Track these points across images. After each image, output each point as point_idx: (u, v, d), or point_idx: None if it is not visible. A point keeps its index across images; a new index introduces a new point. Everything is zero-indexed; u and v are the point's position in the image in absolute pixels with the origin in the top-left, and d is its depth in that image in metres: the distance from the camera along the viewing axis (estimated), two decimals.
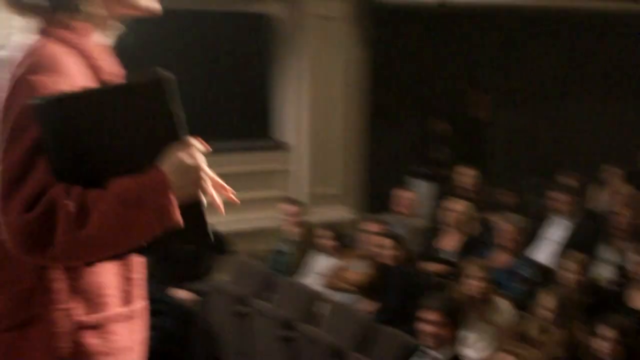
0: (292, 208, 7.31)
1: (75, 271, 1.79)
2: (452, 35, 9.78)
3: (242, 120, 8.50)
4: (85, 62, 1.82)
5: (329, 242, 6.89)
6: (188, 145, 1.71)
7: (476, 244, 6.77)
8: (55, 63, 1.75)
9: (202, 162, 1.73)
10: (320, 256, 6.91)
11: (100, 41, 1.89)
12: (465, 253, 6.56)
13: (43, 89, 1.70)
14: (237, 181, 7.76)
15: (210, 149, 1.77)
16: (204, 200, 1.75)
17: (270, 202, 7.96)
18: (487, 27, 9.84)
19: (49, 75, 1.73)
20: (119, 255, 1.75)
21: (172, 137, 1.71)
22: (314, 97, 8.47)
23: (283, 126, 8.59)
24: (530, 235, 7.11)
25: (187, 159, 1.70)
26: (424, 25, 9.48)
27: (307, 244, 7.07)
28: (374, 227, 6.75)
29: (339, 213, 8.46)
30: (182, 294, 6.29)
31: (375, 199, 8.67)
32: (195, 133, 1.75)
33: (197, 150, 1.72)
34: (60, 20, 1.84)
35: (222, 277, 6.83)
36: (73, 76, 1.76)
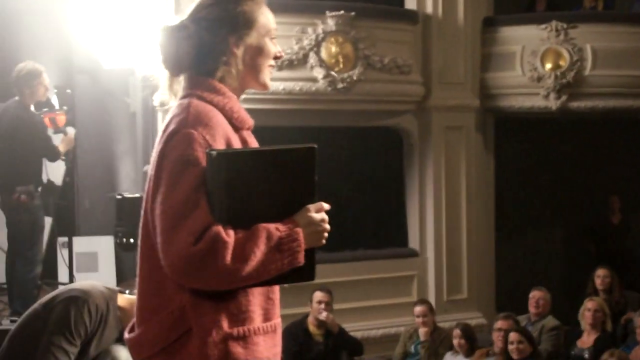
0: (421, 308, 7.48)
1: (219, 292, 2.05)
2: (574, 140, 9.91)
3: (378, 229, 8.88)
4: (227, 117, 2.14)
5: (460, 341, 7.01)
6: (318, 206, 2.10)
7: (611, 341, 6.76)
8: (208, 118, 2.07)
9: (326, 220, 2.10)
10: (452, 356, 7.02)
11: (232, 96, 2.19)
12: (599, 350, 6.55)
13: (200, 140, 2.03)
14: (371, 287, 8.23)
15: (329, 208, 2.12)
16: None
17: (402, 307, 8.20)
18: (609, 130, 9.93)
19: (204, 128, 2.05)
20: (255, 285, 2.05)
21: (309, 197, 2.08)
22: (440, 204, 8.77)
23: (415, 234, 8.88)
24: None
25: (317, 217, 2.07)
26: (546, 131, 9.70)
27: (437, 343, 7.20)
28: (504, 324, 6.83)
29: (469, 317, 8.54)
30: None
31: (506, 303, 8.74)
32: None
33: (323, 210, 2.10)
34: (203, 83, 2.15)
35: None
36: (223, 129, 2.09)
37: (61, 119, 6.49)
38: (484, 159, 9.19)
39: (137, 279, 2.16)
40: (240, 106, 2.20)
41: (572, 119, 9.32)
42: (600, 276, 7.96)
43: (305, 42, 7.97)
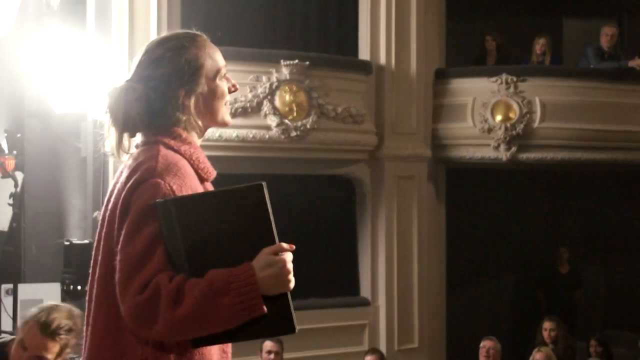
0: (372, 358, 7.42)
1: (183, 345, 2.03)
2: (524, 190, 10.00)
3: (329, 277, 8.80)
4: (193, 167, 2.14)
5: None
6: (278, 246, 2.00)
7: None
8: (177, 168, 2.07)
9: (289, 260, 2.00)
10: None
11: (198, 146, 2.20)
12: None
13: (166, 190, 2.02)
14: (322, 336, 8.10)
15: (294, 249, 2.05)
16: (289, 294, 2.00)
17: (353, 357, 8.12)
18: (559, 182, 10.06)
19: (172, 178, 2.05)
20: (214, 339, 1.99)
21: (269, 239, 1.99)
22: (392, 253, 8.77)
23: (366, 283, 8.85)
24: None
25: (275, 259, 1.97)
26: (497, 181, 9.79)
27: None
28: None
29: None
30: None
31: (456, 352, 8.72)
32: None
33: (285, 250, 2.01)
34: (166, 131, 2.15)
35: None
36: (190, 180, 2.09)
37: (10, 163, 6.44)
38: (435, 208, 9.24)
39: (86, 329, 2.12)
40: (204, 156, 2.20)
41: (522, 170, 9.42)
42: (547, 329, 8.03)
43: (260, 90, 7.99)
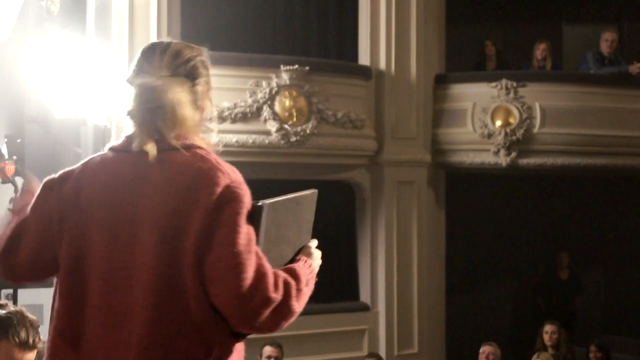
0: None
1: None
2: (523, 196, 9.99)
3: (329, 282, 8.57)
4: None
5: None
6: (315, 242, 2.35)
7: None
8: (237, 173, 2.19)
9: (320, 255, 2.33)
10: None
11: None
12: None
13: (247, 196, 2.12)
14: (322, 341, 8.08)
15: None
16: None
17: None
18: (558, 187, 10.05)
19: (243, 185, 2.15)
20: None
21: (308, 236, 2.36)
22: (391, 258, 8.77)
23: (366, 288, 8.85)
24: None
25: (317, 252, 2.31)
26: (496, 187, 9.80)
27: None
28: None
29: None
30: None
31: (456, 357, 8.72)
32: None
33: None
34: (195, 140, 2.19)
35: None
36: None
37: (10, 168, 6.38)
38: (435, 213, 9.22)
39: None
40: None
41: (521, 176, 9.41)
42: (549, 332, 8.01)
43: (259, 95, 7.98)
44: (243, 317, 2.03)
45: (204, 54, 2.25)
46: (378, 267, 8.81)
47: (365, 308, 8.76)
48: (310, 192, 2.35)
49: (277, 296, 2.05)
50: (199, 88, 2.20)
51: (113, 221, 2.11)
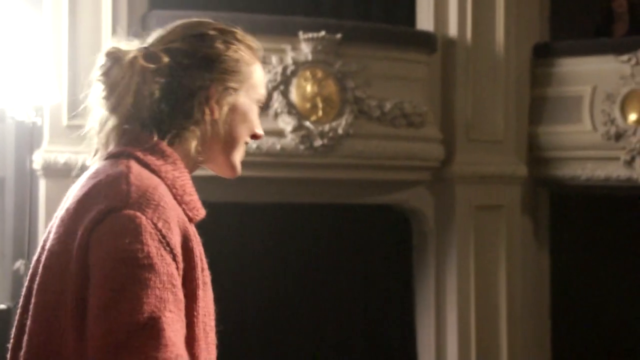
0: None
1: None
2: None
3: (375, 355, 7.82)
4: (176, 198, 1.82)
5: None
6: None
7: None
8: (159, 196, 1.76)
9: None
10: None
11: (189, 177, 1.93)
12: None
13: (151, 229, 1.76)
14: None
15: None
16: None
17: None
18: None
19: (153, 211, 1.72)
20: None
21: None
22: (467, 322, 7.48)
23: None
24: None
25: None
26: (627, 212, 8.13)
27: None
28: None
29: None
30: None
31: None
32: None
33: None
34: (147, 142, 1.85)
35: None
36: (177, 214, 1.78)
37: None
38: (534, 252, 7.87)
39: None
40: (194, 188, 1.91)
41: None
42: None
43: (269, 77, 6.65)
44: None
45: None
46: (447, 331, 7.47)
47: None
48: None
49: None
50: (185, 76, 2.01)
51: None
